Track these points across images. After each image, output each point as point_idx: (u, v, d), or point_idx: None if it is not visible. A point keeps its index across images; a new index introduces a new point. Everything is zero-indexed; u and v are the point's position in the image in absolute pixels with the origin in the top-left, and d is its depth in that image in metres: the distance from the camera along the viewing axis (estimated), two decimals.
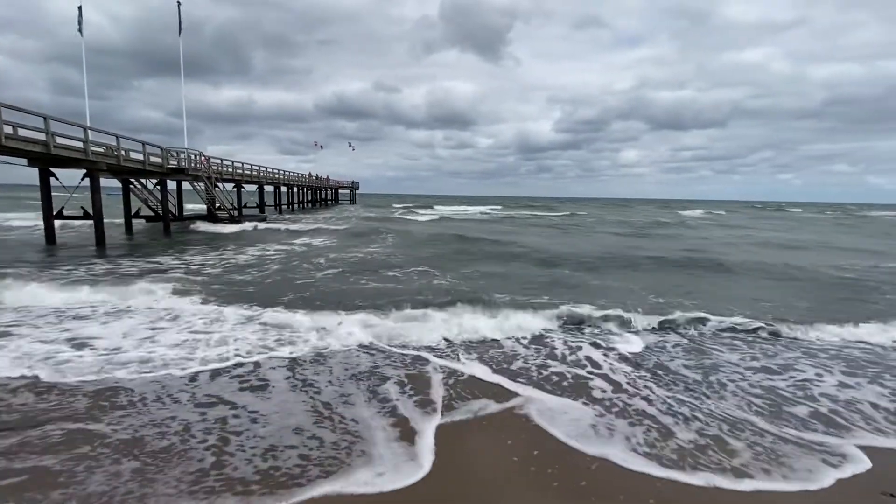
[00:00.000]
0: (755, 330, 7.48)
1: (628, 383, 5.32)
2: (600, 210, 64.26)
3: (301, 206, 47.85)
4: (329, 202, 61.58)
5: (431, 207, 57.62)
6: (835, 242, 23.34)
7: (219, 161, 27.76)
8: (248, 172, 31.76)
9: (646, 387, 5.24)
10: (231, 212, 27.38)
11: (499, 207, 64.22)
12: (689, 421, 4.46)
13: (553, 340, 6.78)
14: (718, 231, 30.21)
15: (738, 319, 7.75)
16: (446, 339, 6.68)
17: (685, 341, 6.97)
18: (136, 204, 23.23)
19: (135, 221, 22.92)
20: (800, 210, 77.10)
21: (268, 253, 15.30)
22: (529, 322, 7.36)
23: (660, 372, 5.71)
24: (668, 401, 4.90)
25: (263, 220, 29.08)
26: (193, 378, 5.16)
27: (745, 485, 3.52)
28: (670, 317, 7.82)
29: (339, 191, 66.78)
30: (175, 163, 22.36)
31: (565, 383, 5.31)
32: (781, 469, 3.73)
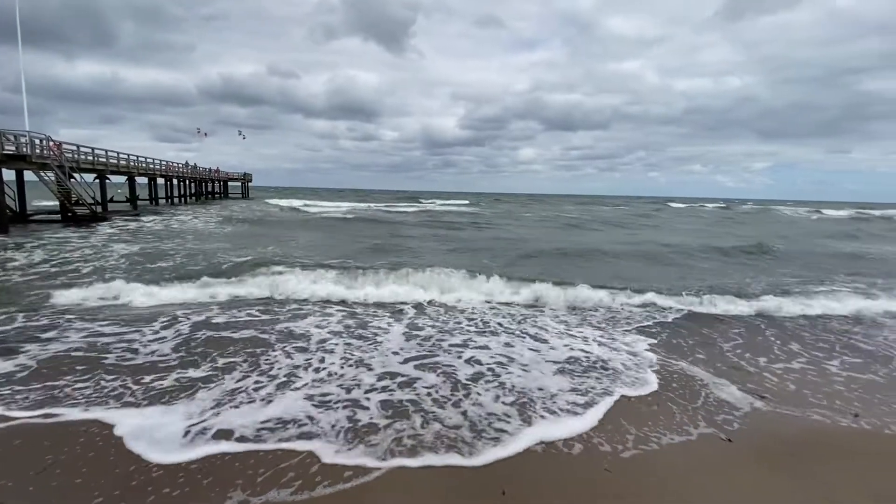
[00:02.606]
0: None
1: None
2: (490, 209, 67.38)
3: (183, 199, 42.87)
4: (217, 195, 56.03)
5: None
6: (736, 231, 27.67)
7: (75, 147, 23.65)
8: (115, 161, 27.55)
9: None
10: (93, 207, 23.57)
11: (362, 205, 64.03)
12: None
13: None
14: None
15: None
16: None
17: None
18: None
19: None
20: (682, 206, 79.50)
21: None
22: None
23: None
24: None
25: (136, 216, 25.57)
26: None
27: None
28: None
29: (230, 183, 61.07)
30: (13, 148, 18.54)
31: None
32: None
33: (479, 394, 5.13)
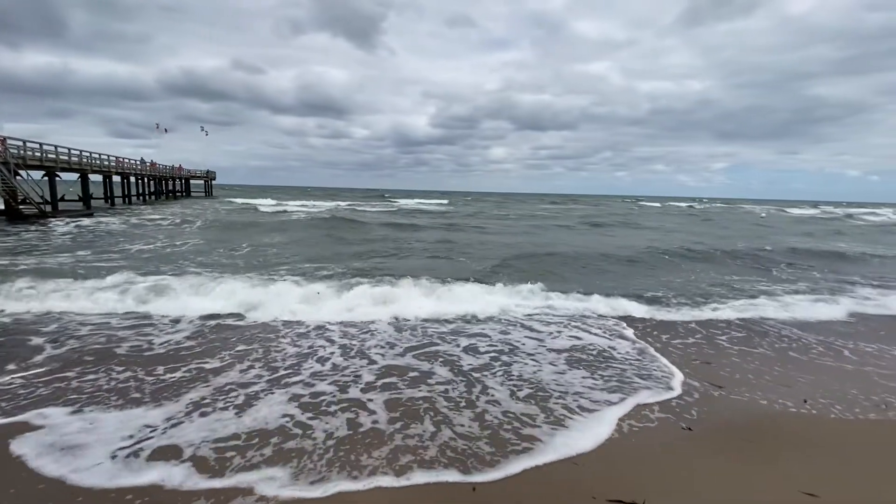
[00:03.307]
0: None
1: None
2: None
3: (142, 198, 40.95)
4: (179, 194, 53.85)
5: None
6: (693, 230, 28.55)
7: (20, 143, 22.18)
8: (66, 158, 26.01)
9: None
10: (41, 206, 22.21)
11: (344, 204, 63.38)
12: None
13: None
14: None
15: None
16: None
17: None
18: None
19: None
20: (658, 204, 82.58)
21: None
22: None
23: None
24: None
25: (90, 215, 24.26)
26: None
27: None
28: None
29: (192, 181, 58.82)
30: None
31: None
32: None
33: None
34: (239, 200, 48.52)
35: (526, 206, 62.89)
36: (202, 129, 64.53)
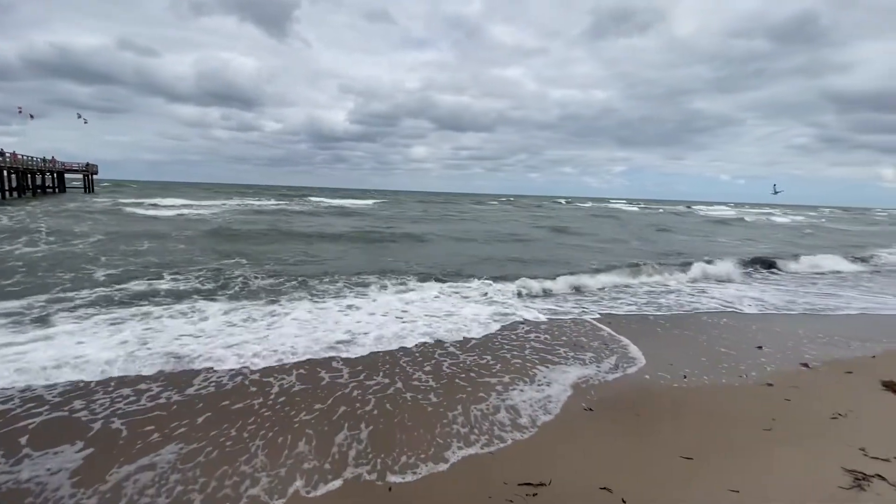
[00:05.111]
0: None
1: None
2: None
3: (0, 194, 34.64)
4: (49, 190, 46.44)
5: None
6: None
7: None
8: None
9: None
10: None
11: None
12: None
13: None
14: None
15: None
16: None
17: None
18: None
19: None
20: (564, 203, 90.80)
21: None
22: None
23: None
24: None
25: None
26: None
27: None
28: None
29: (68, 175, 51.03)
30: None
31: None
32: None
33: None
34: (127, 200, 42.81)
35: (480, 207, 62.67)
36: (79, 117, 55.69)
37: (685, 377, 5.82)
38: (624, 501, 3.36)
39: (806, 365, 6.30)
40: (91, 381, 5.10)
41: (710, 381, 5.71)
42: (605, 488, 3.51)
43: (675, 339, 7.44)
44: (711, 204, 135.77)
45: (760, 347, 7.02)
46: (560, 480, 3.61)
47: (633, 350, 6.79)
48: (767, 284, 12.48)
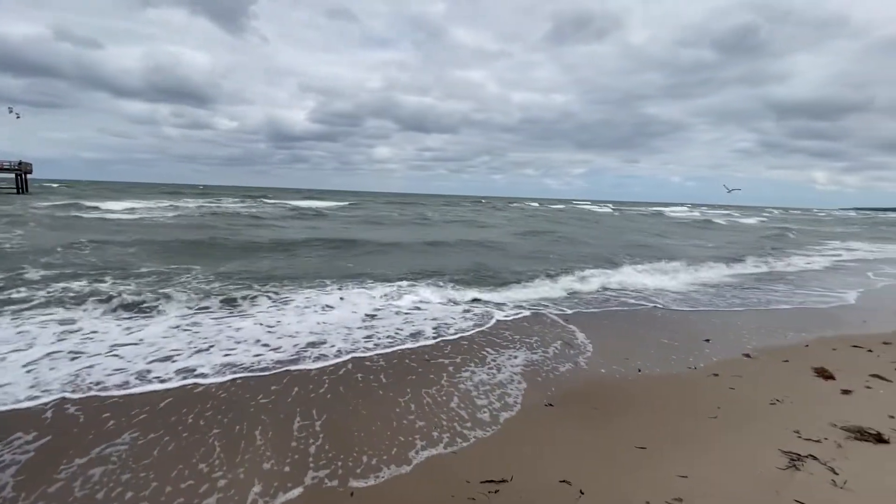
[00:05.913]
0: None
1: None
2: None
3: None
4: None
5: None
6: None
7: None
8: None
9: None
10: None
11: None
12: None
13: None
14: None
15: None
16: None
17: None
18: None
19: None
20: (535, 204, 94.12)
21: None
22: None
23: None
24: None
25: None
26: None
27: None
28: None
29: None
30: None
31: None
32: None
33: None
34: (62, 202, 39.19)
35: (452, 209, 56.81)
36: (11, 111, 51.34)
37: (640, 370, 6.07)
38: (582, 493, 3.46)
39: (748, 355, 6.73)
40: None
41: (661, 372, 5.99)
42: (564, 481, 3.60)
43: (631, 337, 7.72)
44: (668, 205, 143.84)
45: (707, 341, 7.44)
46: (521, 475, 3.67)
47: (597, 347, 7.01)
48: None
